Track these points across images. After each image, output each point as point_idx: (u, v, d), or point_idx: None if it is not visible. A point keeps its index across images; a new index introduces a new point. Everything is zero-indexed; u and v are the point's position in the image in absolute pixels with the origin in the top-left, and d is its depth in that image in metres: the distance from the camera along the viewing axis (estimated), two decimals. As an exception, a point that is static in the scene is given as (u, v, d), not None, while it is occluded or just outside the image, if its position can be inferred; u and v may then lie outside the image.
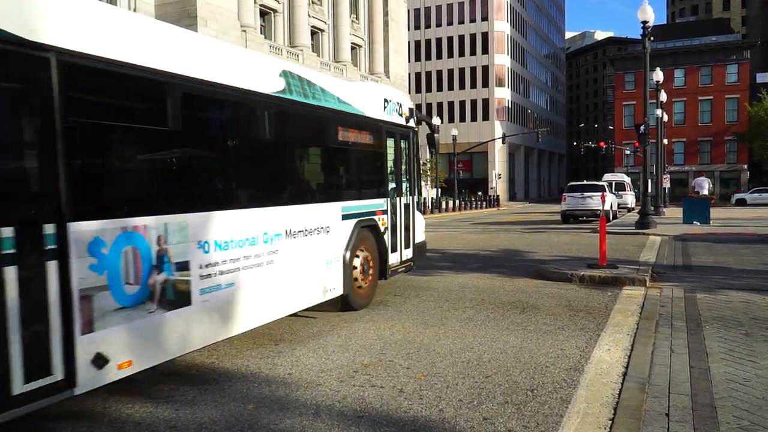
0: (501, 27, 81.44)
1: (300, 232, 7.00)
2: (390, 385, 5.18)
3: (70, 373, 4.17)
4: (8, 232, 3.78)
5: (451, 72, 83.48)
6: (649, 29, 21.79)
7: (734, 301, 8.38)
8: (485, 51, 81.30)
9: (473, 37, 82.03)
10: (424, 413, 4.54)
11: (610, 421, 4.26)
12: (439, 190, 52.87)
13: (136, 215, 4.74)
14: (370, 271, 8.74)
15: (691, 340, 6.28)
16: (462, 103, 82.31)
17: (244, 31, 37.12)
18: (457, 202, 49.73)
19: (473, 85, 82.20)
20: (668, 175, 45.98)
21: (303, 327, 7.44)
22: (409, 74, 70.67)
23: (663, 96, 36.68)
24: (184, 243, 5.21)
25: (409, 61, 68.02)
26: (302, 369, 5.72)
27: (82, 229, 4.26)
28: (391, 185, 9.43)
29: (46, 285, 4.03)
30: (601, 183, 31.40)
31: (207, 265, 5.47)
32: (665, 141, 43.71)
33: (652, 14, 21.56)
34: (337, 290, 7.88)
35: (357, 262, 8.36)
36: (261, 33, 40.55)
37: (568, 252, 15.31)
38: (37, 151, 4.14)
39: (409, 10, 69.30)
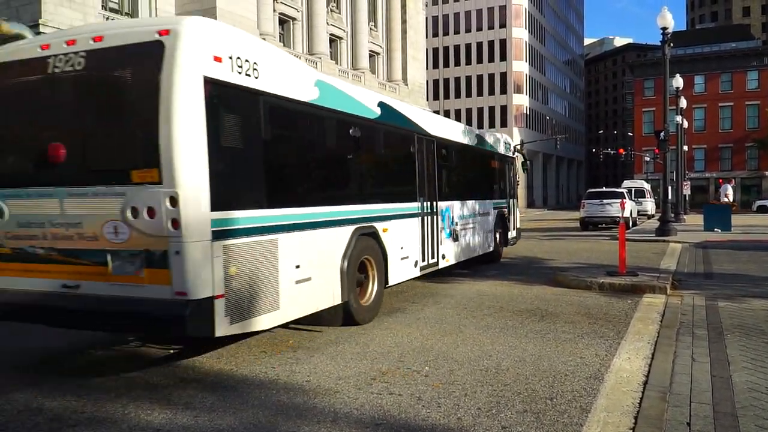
0: (519, 34, 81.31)
1: (481, 213, 13.39)
2: (408, 393, 5.17)
3: (437, 260, 10.56)
4: (427, 203, 10.13)
5: (469, 79, 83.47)
6: (669, 35, 21.62)
7: (756, 309, 8.27)
8: (503, 58, 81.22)
9: (491, 44, 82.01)
10: (443, 421, 4.53)
11: (631, 430, 4.23)
12: None
13: (447, 200, 11.13)
14: (502, 240, 15.25)
15: (712, 349, 6.21)
16: (480, 110, 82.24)
17: (264, 38, 37.32)
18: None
19: (491, 92, 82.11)
20: (689, 182, 45.48)
21: (321, 334, 7.46)
22: (428, 81, 70.70)
23: (683, 102, 36.32)
24: (455, 213, 11.58)
25: (427, 68, 68.08)
26: (320, 376, 5.73)
27: (438, 204, 10.65)
28: (508, 192, 15.88)
29: (433, 225, 10.33)
30: (620, 190, 31.16)
31: (460, 225, 11.82)
32: (685, 147, 43.19)
33: (671, 20, 21.40)
34: (491, 248, 14.21)
35: (498, 234, 14.65)
36: (280, 41, 40.83)
37: (587, 259, 15.22)
38: (434, 178, 10.52)
39: (427, 18, 69.41)
